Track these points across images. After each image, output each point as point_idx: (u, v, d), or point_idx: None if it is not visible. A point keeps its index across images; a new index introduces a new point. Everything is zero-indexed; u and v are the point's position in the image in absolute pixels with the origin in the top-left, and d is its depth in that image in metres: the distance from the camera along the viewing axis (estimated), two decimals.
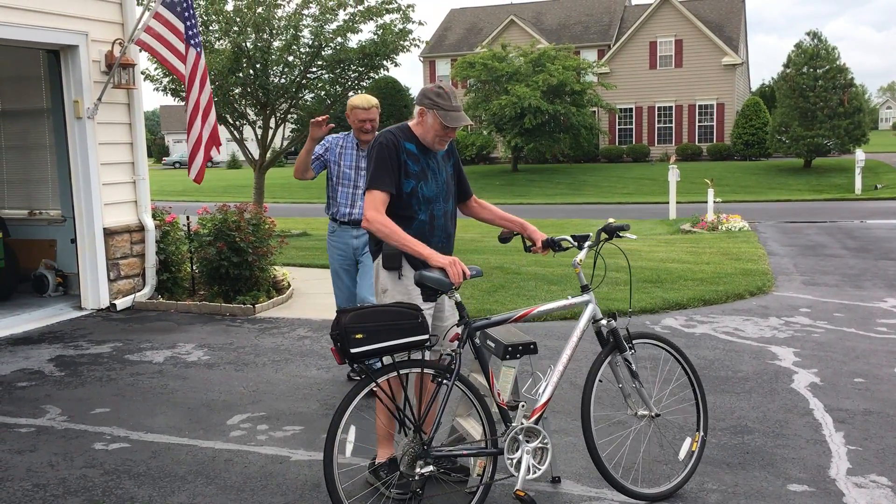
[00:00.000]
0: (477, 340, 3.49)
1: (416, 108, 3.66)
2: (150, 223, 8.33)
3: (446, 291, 3.32)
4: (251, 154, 16.91)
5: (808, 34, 33.59)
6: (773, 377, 5.56)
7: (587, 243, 3.76)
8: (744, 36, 44.31)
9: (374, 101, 5.11)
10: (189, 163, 7.96)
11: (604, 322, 3.71)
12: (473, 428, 3.82)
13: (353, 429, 3.25)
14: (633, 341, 3.76)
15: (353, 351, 3.14)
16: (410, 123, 3.73)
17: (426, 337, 3.28)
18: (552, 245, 3.85)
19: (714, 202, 17.69)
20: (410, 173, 3.61)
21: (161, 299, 8.25)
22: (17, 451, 4.35)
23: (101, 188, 7.87)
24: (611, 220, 3.78)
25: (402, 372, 3.30)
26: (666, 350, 3.86)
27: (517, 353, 3.73)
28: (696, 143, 41.28)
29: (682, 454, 3.83)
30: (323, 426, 4.67)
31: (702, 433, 3.90)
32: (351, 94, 17.93)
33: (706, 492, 3.76)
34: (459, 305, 3.40)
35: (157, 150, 76.95)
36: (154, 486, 3.89)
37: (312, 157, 5.25)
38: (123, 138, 8.21)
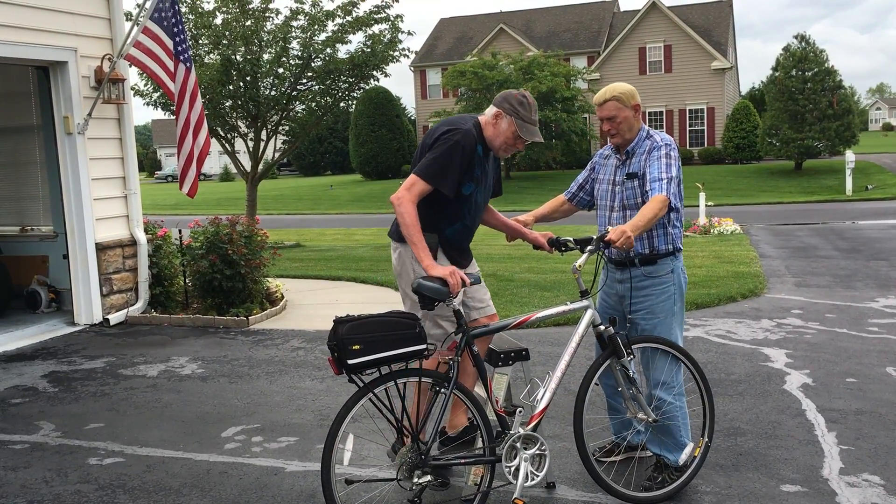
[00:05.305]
0: (475, 348, 3.48)
1: (493, 110, 3.58)
2: (142, 237, 8.33)
3: (444, 300, 3.34)
4: (243, 166, 16.92)
5: (796, 37, 33.79)
6: (766, 379, 5.58)
7: (589, 247, 3.67)
8: (732, 40, 44.55)
9: (612, 91, 3.78)
10: (181, 177, 7.97)
11: (602, 328, 3.69)
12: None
13: (350, 437, 3.26)
14: (633, 346, 3.71)
15: (350, 362, 3.13)
16: (482, 121, 3.63)
17: (424, 347, 3.27)
18: (557, 245, 3.86)
19: (706, 206, 17.73)
20: (474, 177, 3.53)
21: (154, 313, 8.24)
22: (11, 468, 4.34)
23: (92, 203, 7.87)
24: (609, 228, 3.75)
25: (399, 381, 3.29)
26: (673, 354, 3.81)
27: (510, 360, 3.74)
28: (688, 147, 41.43)
29: (682, 458, 3.83)
30: (318, 437, 4.67)
31: (706, 439, 3.88)
32: (342, 104, 17.95)
33: (700, 494, 3.78)
34: (458, 314, 3.40)
35: (150, 164, 77.00)
36: (149, 499, 3.88)
37: (575, 187, 4.22)
38: (114, 153, 8.22)
